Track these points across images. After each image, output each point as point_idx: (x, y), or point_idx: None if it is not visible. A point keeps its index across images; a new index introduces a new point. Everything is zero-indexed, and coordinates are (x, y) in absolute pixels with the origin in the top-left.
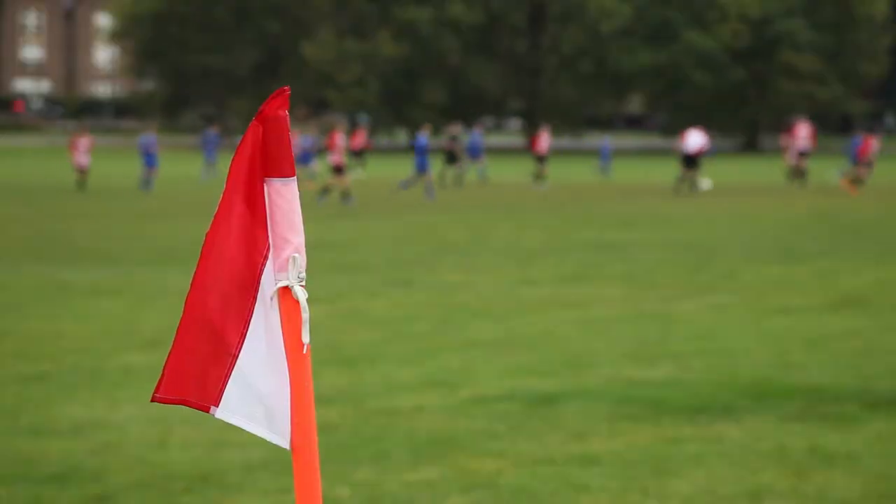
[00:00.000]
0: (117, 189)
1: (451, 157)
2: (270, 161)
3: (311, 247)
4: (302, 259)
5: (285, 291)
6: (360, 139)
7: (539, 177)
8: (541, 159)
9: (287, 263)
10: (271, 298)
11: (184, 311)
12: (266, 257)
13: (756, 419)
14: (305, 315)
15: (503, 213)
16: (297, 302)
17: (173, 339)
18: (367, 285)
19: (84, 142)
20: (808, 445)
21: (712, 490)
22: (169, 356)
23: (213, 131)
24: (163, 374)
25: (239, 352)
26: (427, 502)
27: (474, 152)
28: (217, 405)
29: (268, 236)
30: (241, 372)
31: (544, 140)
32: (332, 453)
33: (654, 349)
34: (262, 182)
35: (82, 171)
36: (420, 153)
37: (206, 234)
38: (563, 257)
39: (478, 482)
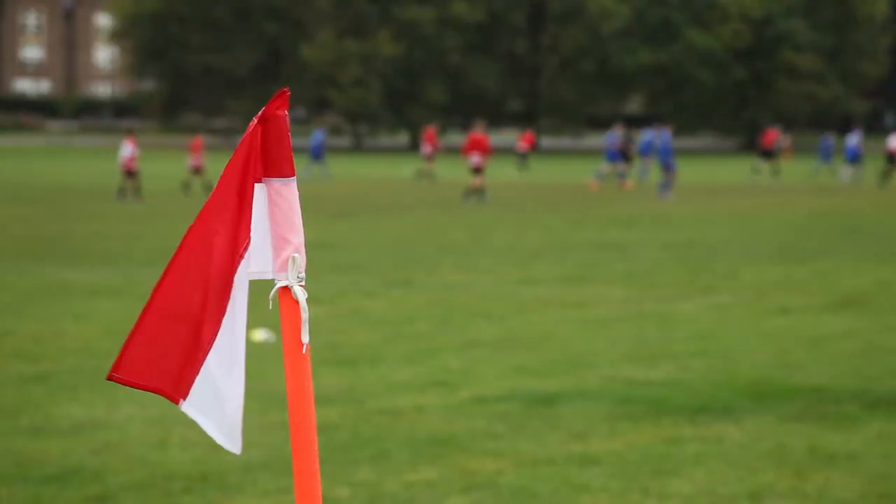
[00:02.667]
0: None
1: (625, 157)
2: (271, 161)
3: (311, 247)
4: (302, 259)
5: (285, 291)
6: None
7: (761, 171)
8: (769, 154)
9: (287, 263)
10: (271, 299)
11: (154, 298)
12: (242, 255)
13: (756, 419)
14: (305, 315)
15: (503, 213)
16: (297, 302)
17: (137, 322)
18: (367, 285)
19: (201, 142)
20: (808, 445)
21: (712, 490)
22: (132, 339)
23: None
24: (123, 356)
25: (210, 349)
26: (427, 502)
27: (646, 151)
28: (185, 399)
29: (249, 235)
30: (209, 369)
31: (775, 135)
32: (332, 453)
33: (654, 349)
34: (254, 183)
35: (198, 172)
36: (665, 152)
37: (190, 227)
38: (563, 257)
39: (478, 482)
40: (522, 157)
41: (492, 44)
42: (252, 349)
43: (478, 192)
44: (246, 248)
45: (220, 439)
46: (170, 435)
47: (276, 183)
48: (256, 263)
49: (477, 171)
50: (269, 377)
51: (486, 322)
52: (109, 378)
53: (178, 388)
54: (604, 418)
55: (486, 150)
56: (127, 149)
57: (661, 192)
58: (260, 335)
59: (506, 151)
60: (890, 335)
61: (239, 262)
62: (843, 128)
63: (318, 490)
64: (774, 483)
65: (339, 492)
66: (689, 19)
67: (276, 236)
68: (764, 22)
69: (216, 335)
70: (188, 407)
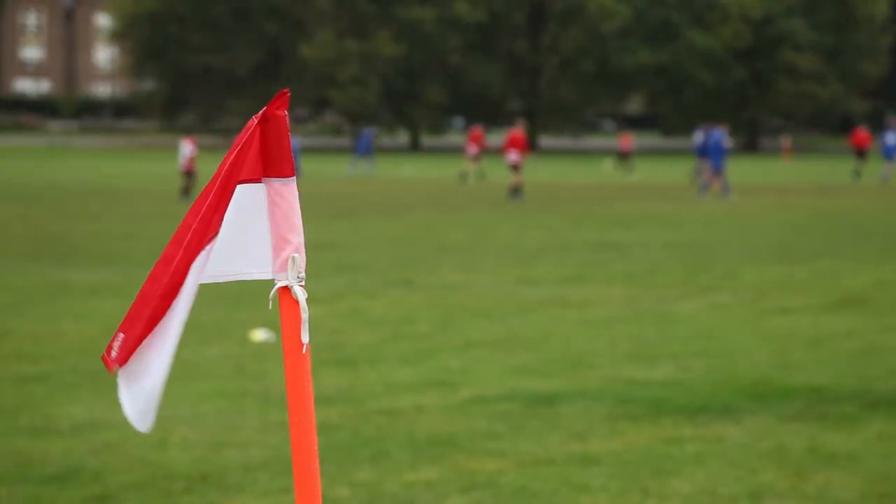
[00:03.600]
0: (118, 189)
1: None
2: (271, 161)
3: (311, 247)
4: (302, 259)
5: (285, 291)
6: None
7: (862, 174)
8: (862, 154)
9: (287, 263)
10: (271, 298)
11: (141, 290)
12: (203, 247)
13: (756, 419)
14: (305, 315)
15: (503, 213)
16: (297, 302)
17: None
18: (367, 285)
19: None
20: (808, 445)
21: (712, 490)
22: (119, 328)
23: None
24: (110, 344)
25: (153, 329)
26: (427, 502)
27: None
28: (122, 367)
29: (218, 229)
30: (147, 347)
31: (867, 135)
32: (332, 453)
33: (654, 349)
34: (239, 183)
35: None
36: (717, 152)
37: (181, 223)
38: (563, 257)
39: (478, 482)
40: (623, 157)
41: (492, 44)
42: (252, 349)
43: (516, 190)
44: (210, 241)
45: (131, 415)
46: (170, 435)
47: (276, 183)
48: (255, 264)
49: (515, 168)
50: (269, 377)
51: (486, 322)
52: (103, 359)
53: (121, 357)
54: (604, 418)
55: (524, 149)
56: (186, 149)
57: (722, 193)
58: (260, 335)
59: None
60: (890, 335)
61: (198, 252)
62: (844, 128)
63: (318, 490)
64: (774, 483)
65: (339, 492)
66: (689, 19)
67: (276, 236)
68: (764, 22)
69: (161, 319)
70: (121, 375)
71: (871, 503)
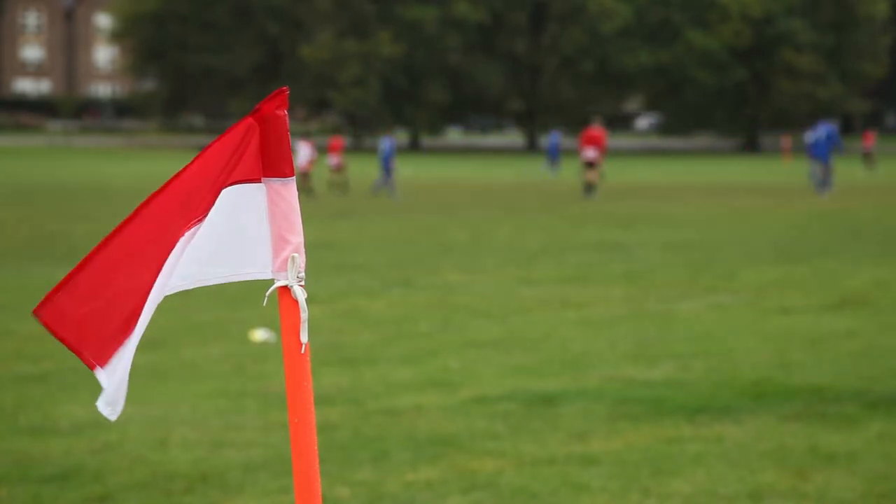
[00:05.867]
0: (118, 189)
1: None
2: (270, 161)
3: (311, 247)
4: (301, 259)
5: (284, 291)
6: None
7: None
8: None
9: (286, 263)
10: (268, 296)
11: (97, 258)
12: (182, 235)
13: (756, 419)
14: (304, 315)
15: (503, 213)
16: (296, 302)
17: (74, 271)
18: (367, 285)
19: (339, 143)
20: (808, 445)
21: (712, 490)
22: (65, 286)
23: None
24: (51, 298)
25: (136, 323)
26: (427, 502)
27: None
28: (103, 367)
29: (193, 224)
30: (130, 341)
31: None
32: (332, 453)
33: (654, 349)
34: (224, 186)
35: (337, 170)
36: (825, 147)
37: (153, 200)
38: (563, 257)
39: (478, 482)
40: (867, 156)
41: (493, 44)
42: (252, 349)
43: (591, 187)
44: (195, 223)
45: (103, 406)
46: (170, 435)
47: (276, 183)
48: (255, 264)
49: (591, 165)
50: (269, 377)
51: (486, 322)
52: (34, 313)
53: (98, 355)
54: (604, 418)
55: (602, 146)
56: (305, 151)
57: (819, 187)
58: (260, 335)
59: (504, 151)
60: (890, 335)
61: (179, 237)
62: (844, 128)
63: (318, 490)
64: (774, 483)
65: (339, 492)
66: (689, 19)
67: (276, 236)
68: (764, 22)
69: (138, 316)
70: (101, 374)
71: (871, 503)
